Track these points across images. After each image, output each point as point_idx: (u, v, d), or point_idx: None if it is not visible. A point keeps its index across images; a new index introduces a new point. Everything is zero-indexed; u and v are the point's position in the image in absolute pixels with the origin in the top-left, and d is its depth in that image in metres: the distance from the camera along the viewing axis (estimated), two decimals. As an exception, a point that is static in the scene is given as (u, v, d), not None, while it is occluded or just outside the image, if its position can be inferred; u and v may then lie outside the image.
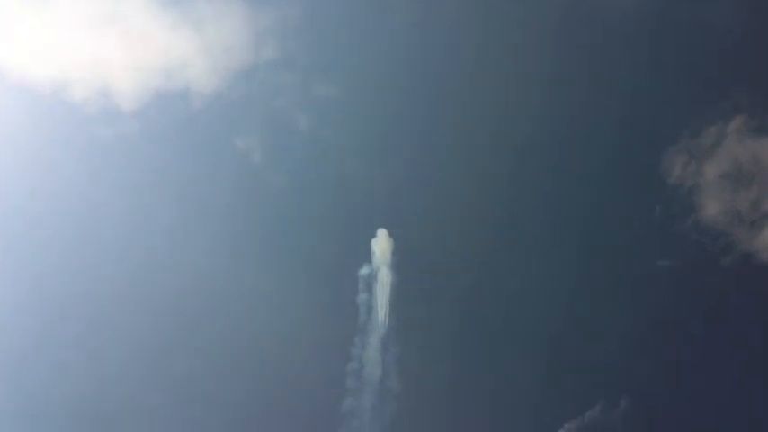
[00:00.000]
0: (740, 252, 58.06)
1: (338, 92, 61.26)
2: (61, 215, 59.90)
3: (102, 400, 57.98)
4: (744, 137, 58.40)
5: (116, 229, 60.21)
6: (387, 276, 59.57)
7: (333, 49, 62.02)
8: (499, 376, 58.79)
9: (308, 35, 61.49)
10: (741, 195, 58.39)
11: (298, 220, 61.27)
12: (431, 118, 61.38)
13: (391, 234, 60.16)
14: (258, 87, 60.79)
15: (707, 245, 58.52)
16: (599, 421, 57.47)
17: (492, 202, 60.69)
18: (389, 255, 59.84)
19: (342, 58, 61.98)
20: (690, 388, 57.04)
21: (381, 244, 60.01)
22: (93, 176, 60.17)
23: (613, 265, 59.73)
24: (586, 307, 58.91)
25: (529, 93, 60.39)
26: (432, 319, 59.67)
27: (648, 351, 57.74)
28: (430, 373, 58.91)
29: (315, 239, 60.59)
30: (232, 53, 60.32)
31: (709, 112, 58.77)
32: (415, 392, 58.34)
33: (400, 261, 59.88)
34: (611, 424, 57.46)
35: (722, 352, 57.07)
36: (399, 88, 61.50)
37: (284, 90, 61.00)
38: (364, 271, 59.51)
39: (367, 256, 59.85)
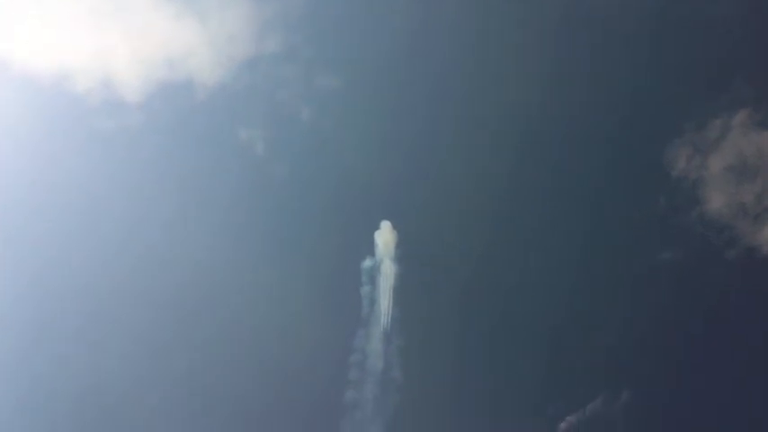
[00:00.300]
0: (744, 245, 57.99)
1: (341, 83, 61.24)
2: (63, 207, 60.01)
3: (103, 390, 58.19)
4: (748, 130, 58.24)
5: (118, 221, 60.20)
6: (390, 268, 59.55)
7: (336, 40, 61.92)
8: (501, 369, 58.81)
9: (311, 27, 61.51)
10: (745, 189, 58.27)
11: (301, 211, 61.29)
12: (434, 109, 61.28)
13: (395, 226, 60.12)
14: (261, 79, 60.83)
15: (711, 238, 58.42)
16: (600, 414, 57.49)
17: (495, 194, 60.56)
18: (393, 247, 59.80)
19: (345, 50, 61.89)
20: (691, 381, 57.05)
21: (385, 236, 59.97)
22: (95, 168, 60.12)
23: (616, 257, 59.63)
24: (588, 300, 58.86)
25: (532, 86, 60.25)
26: (434, 312, 59.72)
27: (650, 344, 57.73)
28: (432, 365, 58.96)
29: (318, 231, 60.58)
30: (235, 44, 60.21)
31: (713, 105, 58.62)
32: (418, 384, 58.40)
33: (403, 253, 59.88)
34: (613, 417, 57.50)
35: (724, 346, 57.03)
36: (402, 80, 61.42)
37: (287, 82, 60.97)
38: (367, 263, 59.50)
39: (370, 248, 59.84)
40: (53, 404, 57.98)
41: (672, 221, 59.09)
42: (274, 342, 58.68)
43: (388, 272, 59.60)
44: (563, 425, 57.66)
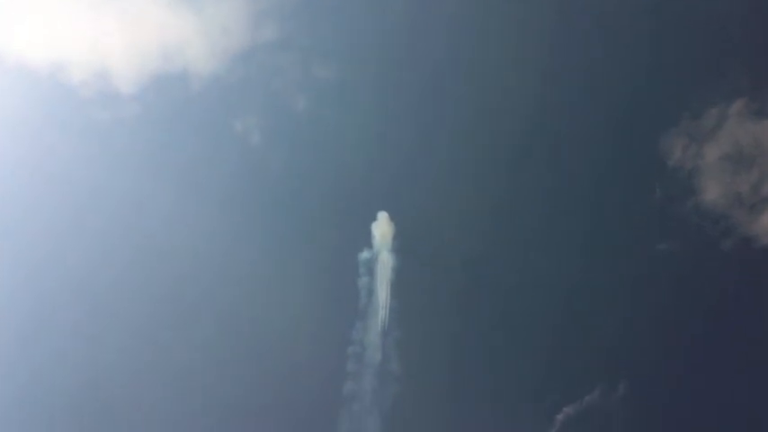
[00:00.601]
0: (740, 236, 57.98)
1: (337, 73, 61.10)
2: (58, 199, 59.77)
3: (102, 381, 58.02)
4: (745, 119, 58.31)
5: (113, 212, 60.03)
6: (387, 260, 59.44)
7: (332, 29, 61.85)
8: (498, 361, 58.72)
9: (307, 16, 61.34)
10: (741, 178, 58.32)
11: (297, 202, 61.17)
12: (432, 99, 61.24)
13: (392, 217, 60.01)
14: (257, 69, 60.73)
15: (707, 228, 58.43)
16: (598, 406, 57.44)
17: (492, 186, 60.62)
18: (390, 238, 59.69)
19: (341, 40, 61.80)
20: (688, 372, 57.03)
21: (382, 227, 59.86)
22: (90, 159, 59.83)
23: (612, 248, 59.64)
24: (585, 291, 58.83)
25: (528, 77, 60.24)
26: (432, 303, 59.67)
27: (647, 336, 57.72)
28: (430, 357, 58.84)
29: (314, 222, 60.50)
30: (230, 35, 60.08)
31: (710, 94, 58.64)
32: (416, 376, 58.27)
33: (401, 244, 59.79)
34: (610, 408, 57.43)
35: (721, 337, 57.02)
36: (399, 69, 61.35)
37: (283, 72, 60.92)
38: (365, 255, 59.38)
39: (367, 239, 59.72)
40: (51, 399, 57.82)
41: (668, 212, 59.12)
42: (272, 333, 58.48)
43: (385, 263, 59.49)
44: (560, 416, 57.54)
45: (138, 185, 59.83)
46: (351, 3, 62.02)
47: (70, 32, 59.00)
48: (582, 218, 60.35)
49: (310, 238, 60.18)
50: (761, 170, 57.99)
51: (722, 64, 58.72)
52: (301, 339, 58.14)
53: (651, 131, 59.49)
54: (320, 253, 59.75)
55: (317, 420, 58.05)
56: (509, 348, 58.95)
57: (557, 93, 60.26)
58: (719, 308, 57.45)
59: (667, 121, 59.17)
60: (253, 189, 61.23)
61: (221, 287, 59.30)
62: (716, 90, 58.51)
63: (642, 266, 58.87)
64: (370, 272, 59.40)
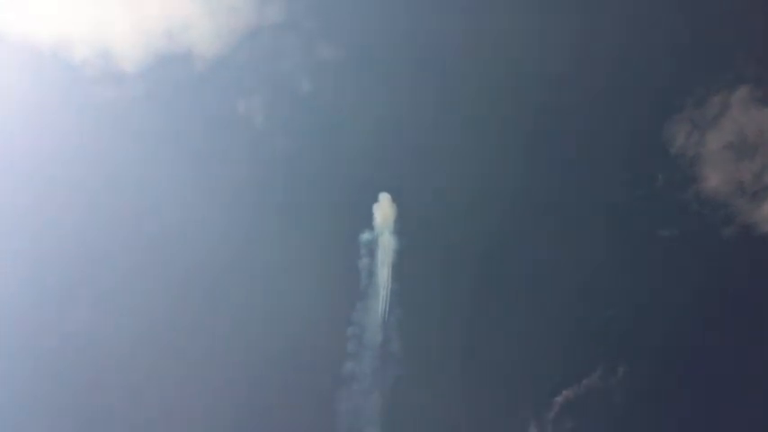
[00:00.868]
0: (741, 223, 57.99)
1: (342, 54, 61.00)
2: (60, 178, 59.83)
3: (111, 363, 58.60)
4: (748, 107, 58.10)
5: (115, 192, 60.14)
6: (389, 241, 59.52)
7: (336, 11, 61.59)
8: (498, 343, 58.90)
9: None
10: (743, 166, 58.20)
11: (299, 183, 61.25)
12: (435, 80, 61.10)
13: (394, 199, 60.06)
14: (261, 50, 60.55)
15: (708, 215, 58.45)
16: (596, 389, 57.72)
17: (495, 169, 60.52)
18: (392, 220, 59.75)
19: (345, 21, 61.57)
20: (688, 356, 57.29)
21: (384, 209, 59.89)
22: (93, 138, 59.85)
23: (614, 233, 59.66)
24: (586, 275, 58.94)
25: (532, 62, 60.01)
26: (432, 285, 59.84)
27: (646, 320, 57.99)
28: (430, 338, 59.09)
29: (316, 203, 60.67)
30: (235, 15, 59.83)
31: (713, 82, 58.45)
32: (416, 357, 58.58)
33: (402, 226, 59.87)
34: (609, 391, 57.73)
35: (721, 322, 57.20)
36: (403, 50, 61.21)
37: (287, 52, 60.68)
38: (366, 236, 59.47)
39: (369, 221, 59.78)
40: (53, 396, 58.25)
41: (669, 199, 59.09)
42: (272, 315, 58.80)
43: (386, 245, 59.57)
44: (559, 399, 57.87)
45: (140, 165, 59.81)
46: (355, -17, 61.95)
47: (74, 11, 58.79)
48: (584, 204, 60.44)
49: (312, 219, 60.33)
50: (763, 158, 57.89)
51: (726, 51, 58.48)
52: (302, 320, 58.41)
53: (654, 118, 59.39)
54: (321, 234, 59.93)
55: (317, 400, 58.30)
56: (509, 331, 59.15)
57: (561, 80, 59.99)
58: (720, 294, 57.58)
59: (671, 108, 59.08)
60: (255, 169, 61.18)
61: (222, 268, 59.53)
62: (720, 77, 58.33)
63: (643, 252, 58.98)
64: (371, 253, 59.48)
